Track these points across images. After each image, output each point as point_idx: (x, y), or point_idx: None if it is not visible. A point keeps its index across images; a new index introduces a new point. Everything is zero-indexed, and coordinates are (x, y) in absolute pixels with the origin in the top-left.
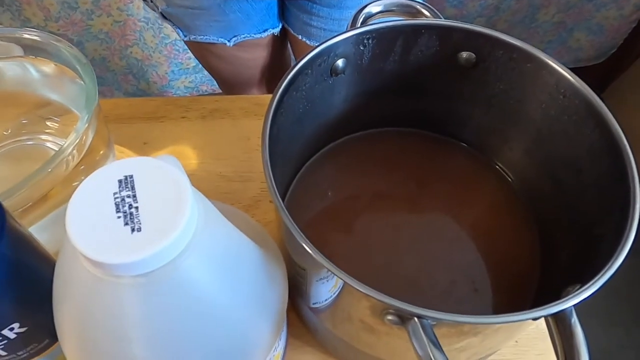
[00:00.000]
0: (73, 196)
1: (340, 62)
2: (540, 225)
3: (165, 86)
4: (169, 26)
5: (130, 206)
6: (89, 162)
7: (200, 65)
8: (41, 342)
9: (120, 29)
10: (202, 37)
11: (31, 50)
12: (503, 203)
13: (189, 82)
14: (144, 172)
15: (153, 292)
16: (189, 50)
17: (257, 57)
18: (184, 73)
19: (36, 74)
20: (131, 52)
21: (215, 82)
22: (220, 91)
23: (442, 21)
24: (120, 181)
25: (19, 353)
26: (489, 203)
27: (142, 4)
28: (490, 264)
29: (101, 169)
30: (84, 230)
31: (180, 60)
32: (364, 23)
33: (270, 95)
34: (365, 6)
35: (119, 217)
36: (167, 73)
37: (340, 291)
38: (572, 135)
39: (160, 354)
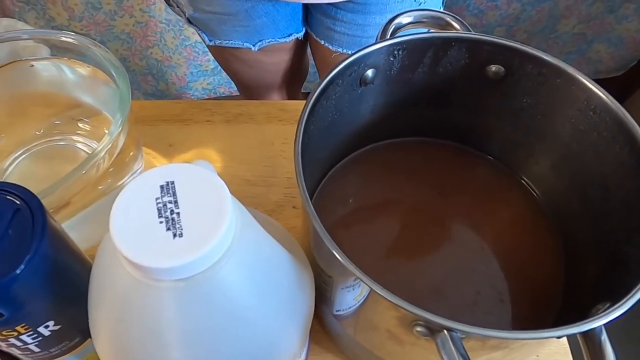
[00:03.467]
0: (117, 200)
1: (369, 73)
2: (565, 240)
3: (183, 87)
4: (194, 30)
5: (172, 212)
6: (119, 163)
7: (218, 68)
8: (72, 340)
9: (141, 30)
10: (227, 41)
11: (67, 52)
12: (527, 217)
13: (207, 84)
14: (184, 178)
15: (191, 296)
16: (208, 53)
17: (280, 62)
18: (203, 75)
19: (71, 76)
20: (151, 53)
21: (233, 85)
22: (238, 93)
23: (473, 34)
24: (162, 187)
25: (52, 350)
26: (513, 216)
27: (164, 5)
28: (514, 276)
29: (143, 174)
30: (128, 234)
31: (199, 62)
32: (394, 34)
33: (293, 102)
34: (396, 17)
35: (161, 222)
36: (185, 74)
37: (366, 299)
38: (601, 152)
39: (193, 357)
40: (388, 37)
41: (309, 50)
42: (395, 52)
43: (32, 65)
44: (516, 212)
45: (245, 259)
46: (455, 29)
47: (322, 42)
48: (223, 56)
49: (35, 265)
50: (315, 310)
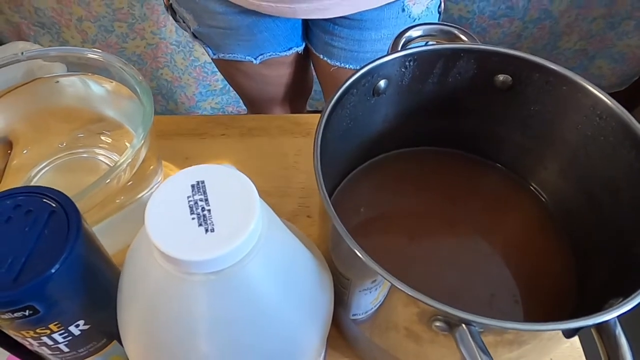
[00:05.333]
0: (151, 199)
1: (382, 83)
2: (575, 242)
3: (192, 106)
4: (199, 45)
5: (203, 209)
6: (139, 176)
7: (227, 87)
8: (99, 341)
9: (152, 52)
10: (230, 55)
11: (92, 68)
12: (537, 221)
13: (216, 103)
14: (214, 178)
15: (221, 290)
16: (217, 73)
17: (282, 75)
18: (211, 94)
19: (96, 91)
20: (162, 74)
21: (241, 104)
22: (246, 112)
23: (481, 45)
24: (193, 186)
25: (80, 350)
26: (523, 221)
27: (174, 27)
28: (527, 278)
29: (175, 175)
30: (163, 230)
31: (208, 82)
32: (404, 46)
33: (306, 115)
34: (406, 30)
35: (193, 219)
36: (195, 94)
37: (385, 299)
38: (608, 156)
39: (220, 350)
40: (399, 49)
41: (312, 68)
42: (407, 63)
43: (58, 82)
44: (526, 216)
45: (271, 256)
46: (463, 41)
47: (322, 57)
48: (227, 69)
49: (70, 265)
50: (332, 315)
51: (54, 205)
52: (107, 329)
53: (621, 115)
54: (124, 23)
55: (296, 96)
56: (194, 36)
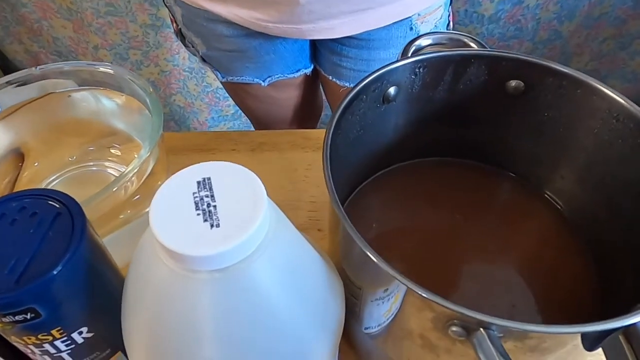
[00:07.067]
0: (155, 196)
1: (392, 90)
2: (595, 249)
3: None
4: (209, 69)
5: (209, 205)
6: (147, 189)
7: (238, 112)
8: (103, 352)
9: (165, 78)
10: (239, 78)
11: (103, 83)
12: (554, 229)
13: (227, 128)
14: (220, 174)
15: (226, 289)
16: (228, 98)
17: (290, 97)
18: (223, 120)
19: (107, 105)
20: (175, 100)
21: (252, 128)
22: None
23: (491, 51)
24: (199, 182)
25: None
26: (540, 230)
27: (187, 54)
28: (547, 290)
29: (180, 171)
30: (167, 226)
31: (220, 108)
32: (414, 55)
33: (315, 130)
34: (416, 39)
35: (198, 215)
36: (207, 119)
37: (398, 308)
38: (628, 159)
39: (225, 353)
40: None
41: (321, 89)
42: (417, 70)
43: (70, 96)
44: (542, 225)
45: (278, 255)
46: (473, 48)
47: (330, 78)
48: (236, 92)
49: (73, 267)
50: (344, 328)
51: (58, 207)
52: (111, 339)
53: (638, 115)
54: (138, 51)
55: (306, 118)
56: (203, 60)
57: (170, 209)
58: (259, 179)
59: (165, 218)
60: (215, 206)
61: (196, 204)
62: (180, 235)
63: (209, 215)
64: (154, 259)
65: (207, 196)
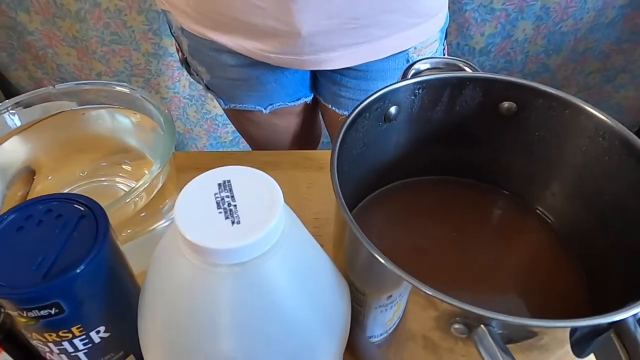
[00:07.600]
0: (179, 196)
1: (393, 109)
2: (586, 262)
3: None
4: (212, 96)
5: (229, 204)
6: (153, 208)
7: (236, 139)
8: (117, 353)
9: (166, 105)
10: (241, 105)
11: (119, 101)
12: (546, 243)
13: None
14: (239, 177)
15: (244, 283)
16: (227, 125)
17: (290, 124)
18: (221, 146)
19: (122, 122)
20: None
21: None
22: None
23: (485, 74)
24: (219, 184)
25: None
26: (533, 245)
27: (188, 82)
28: (541, 302)
29: (202, 174)
30: (191, 222)
31: (218, 134)
32: (413, 77)
33: (317, 151)
34: (415, 63)
35: (219, 212)
36: (205, 146)
37: (403, 310)
38: (614, 174)
39: (241, 344)
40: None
41: (321, 118)
42: (417, 91)
43: (83, 114)
44: (535, 240)
45: (292, 253)
46: (467, 72)
47: (330, 106)
48: (237, 119)
49: (95, 266)
50: (348, 339)
51: (83, 209)
52: (125, 341)
53: (623, 133)
54: (141, 78)
55: (305, 144)
56: (207, 88)
57: (194, 207)
58: (274, 181)
59: (189, 215)
60: (235, 205)
61: (217, 203)
62: (203, 231)
63: (230, 213)
64: (176, 256)
65: (227, 197)
